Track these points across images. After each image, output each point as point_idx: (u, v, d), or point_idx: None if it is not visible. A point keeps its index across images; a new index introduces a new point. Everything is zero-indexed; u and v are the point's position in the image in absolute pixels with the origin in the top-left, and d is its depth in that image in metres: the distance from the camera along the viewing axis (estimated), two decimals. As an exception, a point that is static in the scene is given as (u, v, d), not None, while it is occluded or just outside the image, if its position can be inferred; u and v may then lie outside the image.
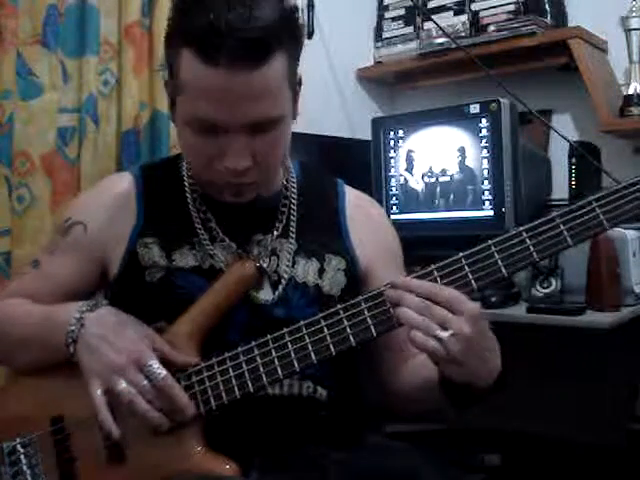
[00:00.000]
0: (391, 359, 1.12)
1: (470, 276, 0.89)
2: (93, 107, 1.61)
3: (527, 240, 0.89)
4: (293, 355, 0.93)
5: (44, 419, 1.02)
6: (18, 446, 1.02)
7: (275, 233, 1.07)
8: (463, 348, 0.86)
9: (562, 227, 0.88)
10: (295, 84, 1.01)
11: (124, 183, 1.12)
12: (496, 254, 0.89)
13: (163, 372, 0.93)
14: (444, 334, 0.85)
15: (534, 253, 0.89)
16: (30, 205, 1.54)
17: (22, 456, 1.01)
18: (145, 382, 0.92)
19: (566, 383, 1.66)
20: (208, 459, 0.95)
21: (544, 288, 1.65)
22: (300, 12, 0.97)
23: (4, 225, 1.48)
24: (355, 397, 1.13)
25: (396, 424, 1.74)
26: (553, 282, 1.64)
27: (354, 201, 1.18)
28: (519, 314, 1.59)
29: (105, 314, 1.00)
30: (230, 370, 0.95)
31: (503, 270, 0.89)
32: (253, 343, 0.95)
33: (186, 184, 1.10)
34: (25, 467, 1.01)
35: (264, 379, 0.94)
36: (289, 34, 0.95)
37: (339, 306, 0.93)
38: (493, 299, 1.62)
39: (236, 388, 0.95)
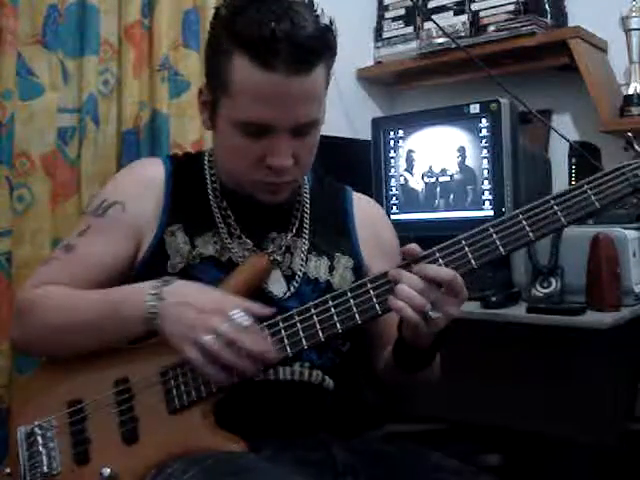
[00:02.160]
0: (377, 346, 1.19)
1: (470, 255, 0.97)
2: (93, 107, 1.61)
3: (523, 221, 0.96)
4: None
5: (61, 403, 1.05)
6: (36, 429, 1.05)
7: (290, 233, 1.15)
8: (443, 325, 0.96)
9: (556, 208, 0.96)
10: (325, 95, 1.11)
11: (155, 168, 1.18)
12: (494, 235, 0.97)
13: (249, 319, 0.96)
14: (435, 314, 0.94)
15: (530, 233, 0.96)
16: (30, 205, 1.54)
17: (39, 438, 1.04)
18: (228, 326, 0.95)
19: (566, 383, 1.66)
20: (218, 437, 1.00)
21: (544, 288, 1.65)
22: (335, 29, 1.06)
23: (4, 225, 1.48)
24: (357, 394, 1.18)
25: (396, 424, 1.75)
26: (553, 282, 1.64)
27: (359, 205, 1.26)
28: (519, 314, 1.59)
29: (182, 284, 1.02)
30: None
31: (501, 249, 0.96)
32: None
33: (208, 181, 1.16)
34: (41, 448, 1.04)
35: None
36: (329, 46, 1.05)
37: (346, 288, 1.00)
38: (493, 299, 1.61)
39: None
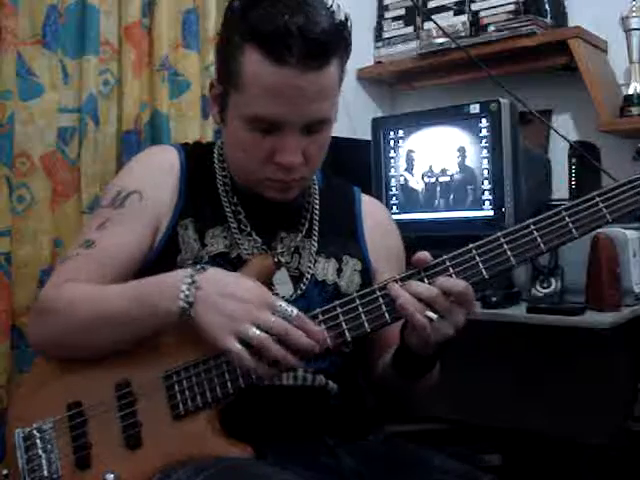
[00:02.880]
0: (376, 350, 1.18)
1: (481, 266, 0.95)
2: (93, 107, 1.61)
3: (534, 232, 0.94)
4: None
5: (61, 405, 1.02)
6: (34, 431, 1.02)
7: (300, 234, 1.13)
8: (450, 334, 0.96)
9: (568, 219, 0.94)
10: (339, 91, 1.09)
11: (170, 155, 1.15)
12: (505, 245, 0.95)
13: (295, 309, 0.94)
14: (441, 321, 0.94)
15: (541, 244, 0.94)
16: (30, 205, 1.54)
17: (38, 441, 1.02)
18: (275, 319, 0.92)
19: (566, 383, 1.66)
20: (225, 443, 0.97)
21: (544, 288, 1.65)
22: (350, 23, 1.04)
23: (4, 225, 1.48)
24: (359, 395, 1.17)
25: (396, 424, 1.75)
26: (553, 282, 1.64)
27: (368, 207, 1.24)
28: (519, 314, 1.59)
29: (217, 272, 0.99)
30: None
31: (512, 260, 0.95)
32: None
33: (218, 175, 1.14)
34: (40, 452, 1.02)
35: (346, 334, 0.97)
36: (343, 42, 1.04)
37: (355, 294, 0.98)
38: (493, 299, 1.61)
39: (346, 332, 0.97)
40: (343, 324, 0.96)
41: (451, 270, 0.95)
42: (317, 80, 0.99)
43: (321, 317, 0.97)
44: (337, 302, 0.98)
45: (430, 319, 0.94)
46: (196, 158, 1.16)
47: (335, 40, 1.00)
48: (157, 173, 1.13)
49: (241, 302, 0.94)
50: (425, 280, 0.96)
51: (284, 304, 0.94)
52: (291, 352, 0.92)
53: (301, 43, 0.95)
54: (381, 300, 0.96)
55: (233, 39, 1.01)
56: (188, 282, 0.96)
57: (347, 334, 0.96)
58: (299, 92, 0.98)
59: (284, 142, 1.01)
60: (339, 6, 1.02)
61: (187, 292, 0.95)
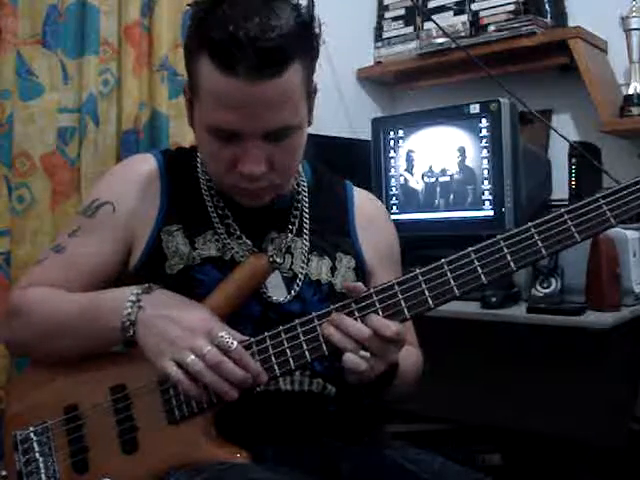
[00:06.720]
0: None
1: (479, 270, 0.91)
2: (93, 107, 1.61)
3: (535, 235, 0.90)
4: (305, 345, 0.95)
5: (57, 408, 1.03)
6: (31, 434, 1.03)
7: (290, 233, 1.10)
8: (382, 370, 0.94)
9: (570, 223, 0.89)
10: (310, 92, 1.04)
11: (149, 165, 1.13)
12: (505, 249, 0.91)
13: (235, 342, 0.92)
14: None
15: (542, 249, 0.90)
16: (30, 205, 1.54)
17: (35, 444, 1.02)
18: (210, 348, 0.91)
19: (566, 383, 1.66)
20: (220, 448, 0.97)
21: (544, 288, 1.65)
22: (317, 22, 0.98)
23: (4, 225, 1.48)
24: (358, 397, 1.15)
25: (396, 424, 1.75)
26: (553, 282, 1.64)
27: (360, 202, 1.21)
28: (519, 314, 1.59)
29: (163, 294, 0.99)
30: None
31: (512, 265, 0.91)
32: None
33: (202, 179, 1.12)
34: (38, 455, 1.02)
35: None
36: (306, 44, 0.97)
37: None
38: (493, 299, 1.61)
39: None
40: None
41: (449, 275, 0.92)
42: (272, 88, 0.93)
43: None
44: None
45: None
46: (178, 164, 1.14)
47: (292, 45, 0.93)
48: (134, 185, 1.11)
49: (181, 328, 0.94)
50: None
51: (226, 335, 0.93)
52: (227, 382, 0.92)
53: (250, 52, 0.90)
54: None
55: (191, 45, 0.98)
56: (132, 300, 0.97)
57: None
58: (251, 103, 0.93)
59: (244, 151, 0.98)
60: (308, 4, 0.97)
61: (129, 310, 0.96)
